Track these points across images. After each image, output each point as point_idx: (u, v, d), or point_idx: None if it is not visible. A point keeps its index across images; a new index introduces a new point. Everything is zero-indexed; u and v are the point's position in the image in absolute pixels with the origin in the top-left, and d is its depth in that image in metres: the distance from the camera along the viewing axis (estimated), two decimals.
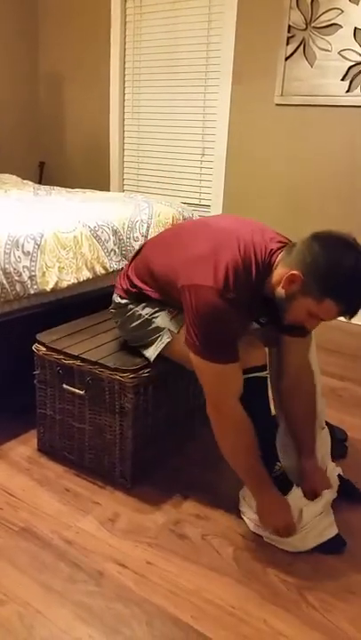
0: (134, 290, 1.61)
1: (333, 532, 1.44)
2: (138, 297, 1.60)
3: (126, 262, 2.03)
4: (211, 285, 1.33)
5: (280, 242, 1.43)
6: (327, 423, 1.80)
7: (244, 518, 1.52)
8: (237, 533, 1.49)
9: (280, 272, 1.35)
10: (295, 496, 1.46)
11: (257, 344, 1.49)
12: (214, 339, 1.36)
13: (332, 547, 1.43)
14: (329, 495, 1.51)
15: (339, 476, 1.64)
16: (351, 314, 1.30)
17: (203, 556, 1.41)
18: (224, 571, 1.37)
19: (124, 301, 1.65)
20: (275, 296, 1.36)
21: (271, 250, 1.39)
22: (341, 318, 1.32)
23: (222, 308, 1.32)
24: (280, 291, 1.34)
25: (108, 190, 4.05)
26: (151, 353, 1.58)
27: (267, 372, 1.46)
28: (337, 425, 1.97)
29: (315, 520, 1.44)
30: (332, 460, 1.66)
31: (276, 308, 1.39)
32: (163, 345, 1.55)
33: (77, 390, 1.64)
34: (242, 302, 1.35)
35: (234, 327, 1.37)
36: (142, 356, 1.61)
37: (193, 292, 1.36)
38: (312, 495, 1.50)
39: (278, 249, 1.40)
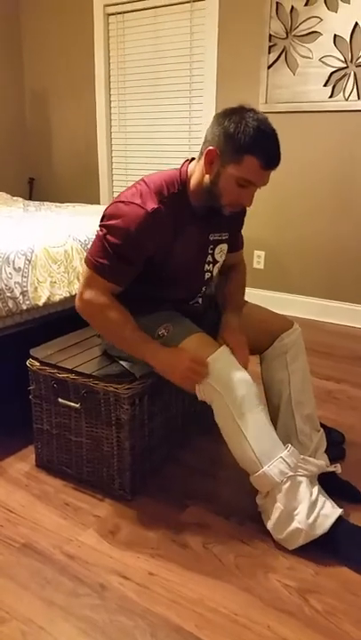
0: None
1: (338, 510, 1.43)
2: None
3: None
4: (130, 200, 1.41)
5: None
6: (324, 426, 1.80)
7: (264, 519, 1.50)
8: (238, 540, 1.49)
9: (198, 168, 1.45)
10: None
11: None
12: (118, 256, 1.42)
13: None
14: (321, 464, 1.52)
15: (337, 477, 1.65)
16: (272, 162, 1.37)
17: (205, 564, 1.41)
18: (226, 578, 1.37)
19: None
20: (205, 191, 1.44)
21: (180, 167, 1.51)
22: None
23: (142, 219, 1.39)
24: (206, 179, 1.42)
25: (99, 203, 4.07)
26: (137, 370, 1.60)
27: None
28: (334, 427, 1.98)
29: (316, 503, 1.43)
30: (331, 463, 1.66)
31: (213, 211, 1.48)
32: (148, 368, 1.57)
33: (73, 404, 1.64)
34: (167, 215, 1.42)
35: (146, 247, 1.43)
36: None
37: (114, 207, 1.44)
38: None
39: (187, 162, 1.52)
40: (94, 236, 1.49)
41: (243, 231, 1.77)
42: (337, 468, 1.60)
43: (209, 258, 1.61)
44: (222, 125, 1.36)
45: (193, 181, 1.47)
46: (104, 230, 1.44)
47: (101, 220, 1.47)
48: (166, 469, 1.80)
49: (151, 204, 1.40)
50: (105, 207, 1.56)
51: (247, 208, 1.71)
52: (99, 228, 1.47)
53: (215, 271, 1.65)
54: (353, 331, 3.19)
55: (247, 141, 1.33)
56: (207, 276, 1.63)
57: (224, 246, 1.64)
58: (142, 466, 1.68)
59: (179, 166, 1.52)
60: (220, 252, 1.63)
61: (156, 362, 1.48)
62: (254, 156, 1.34)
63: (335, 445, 1.88)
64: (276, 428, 1.64)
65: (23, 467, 1.82)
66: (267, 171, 1.38)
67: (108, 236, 1.43)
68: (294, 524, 1.41)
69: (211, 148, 1.38)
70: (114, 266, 1.44)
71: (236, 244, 1.73)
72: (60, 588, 1.33)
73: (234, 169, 1.37)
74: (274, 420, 1.67)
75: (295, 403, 1.64)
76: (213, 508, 1.62)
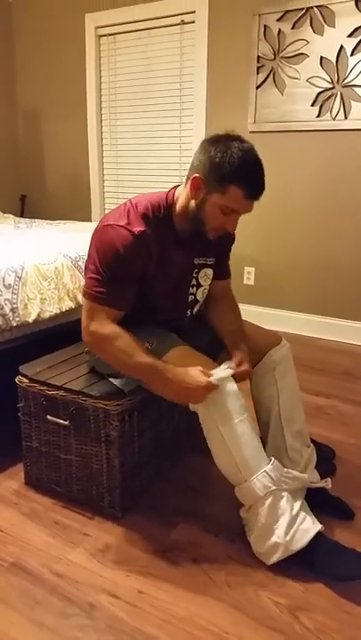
0: None
1: (318, 526, 1.43)
2: None
3: None
4: (117, 223, 1.43)
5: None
6: (314, 441, 1.81)
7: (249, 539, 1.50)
8: (229, 557, 1.48)
9: (184, 193, 1.48)
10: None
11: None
12: (112, 279, 1.43)
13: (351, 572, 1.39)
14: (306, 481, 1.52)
15: (327, 492, 1.65)
16: (255, 192, 1.39)
17: (195, 582, 1.40)
18: (217, 596, 1.36)
19: None
20: (190, 215, 1.46)
21: (168, 191, 1.53)
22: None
23: (129, 241, 1.40)
24: (192, 204, 1.45)
25: (90, 220, 4.09)
26: (125, 386, 1.61)
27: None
28: (324, 443, 1.99)
29: (297, 518, 1.43)
30: (321, 478, 1.66)
31: (198, 235, 1.49)
32: (137, 384, 1.58)
33: (62, 421, 1.63)
34: (152, 238, 1.44)
35: (136, 267, 1.44)
36: None
37: (101, 232, 1.45)
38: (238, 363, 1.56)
39: (174, 187, 1.54)
40: (86, 268, 1.50)
41: (232, 247, 1.78)
42: (327, 483, 1.60)
43: (193, 281, 1.63)
44: (208, 154, 1.38)
45: (178, 206, 1.49)
46: (95, 261, 1.44)
47: (90, 247, 1.48)
48: (156, 486, 1.79)
49: (137, 227, 1.42)
50: (93, 226, 1.57)
51: (235, 235, 1.73)
52: (90, 259, 1.47)
53: (200, 295, 1.66)
54: (342, 346, 3.21)
55: (232, 172, 1.36)
56: (191, 298, 1.64)
57: (209, 271, 1.66)
58: (132, 483, 1.67)
59: (167, 189, 1.55)
60: (205, 276, 1.65)
61: (172, 386, 1.43)
62: (238, 186, 1.37)
63: (325, 461, 1.88)
64: (265, 444, 1.64)
65: (12, 485, 1.80)
66: (250, 200, 1.41)
67: (100, 265, 1.43)
68: (273, 539, 1.41)
69: (196, 175, 1.41)
70: (111, 291, 1.44)
71: (222, 271, 1.73)
72: (50, 609, 1.31)
73: (218, 197, 1.39)
74: (264, 436, 1.67)
75: (285, 419, 1.65)
76: (204, 525, 1.61)
